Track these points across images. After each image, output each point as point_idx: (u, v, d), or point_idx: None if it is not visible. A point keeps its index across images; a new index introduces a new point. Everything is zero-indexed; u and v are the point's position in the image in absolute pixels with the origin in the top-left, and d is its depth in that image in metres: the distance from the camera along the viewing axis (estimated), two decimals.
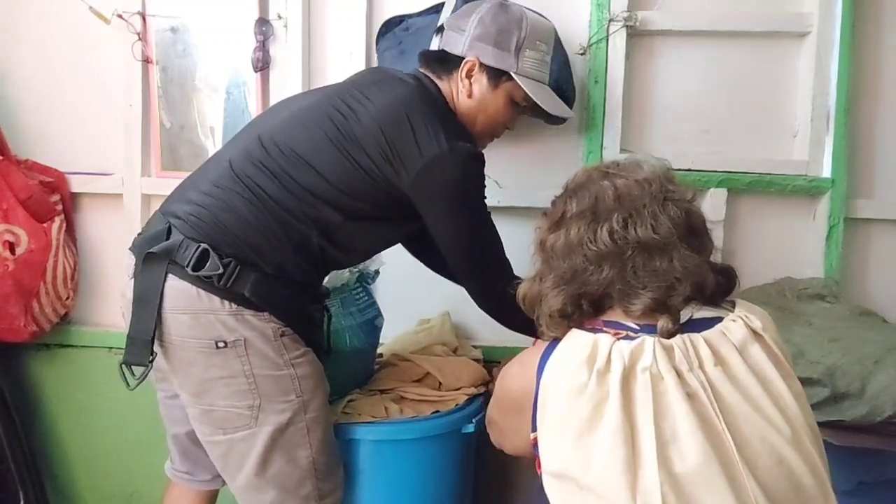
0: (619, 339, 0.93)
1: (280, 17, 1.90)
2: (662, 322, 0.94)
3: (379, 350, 1.71)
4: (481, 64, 1.38)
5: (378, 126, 1.26)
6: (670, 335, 0.93)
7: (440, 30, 1.52)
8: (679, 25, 1.84)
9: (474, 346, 1.86)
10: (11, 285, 1.87)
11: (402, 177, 1.26)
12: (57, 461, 2.12)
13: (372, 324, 1.60)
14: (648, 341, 0.92)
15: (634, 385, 0.89)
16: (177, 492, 1.52)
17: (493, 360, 1.82)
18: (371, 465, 1.45)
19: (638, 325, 0.97)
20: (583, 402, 0.89)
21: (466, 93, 1.39)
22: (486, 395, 1.62)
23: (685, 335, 0.93)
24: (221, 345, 1.21)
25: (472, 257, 1.35)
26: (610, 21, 1.80)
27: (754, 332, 0.95)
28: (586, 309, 1.00)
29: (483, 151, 1.36)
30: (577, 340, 0.96)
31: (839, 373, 1.41)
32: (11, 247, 1.88)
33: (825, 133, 1.83)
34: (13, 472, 1.94)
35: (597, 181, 1.04)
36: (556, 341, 1.00)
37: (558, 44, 1.67)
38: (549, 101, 1.44)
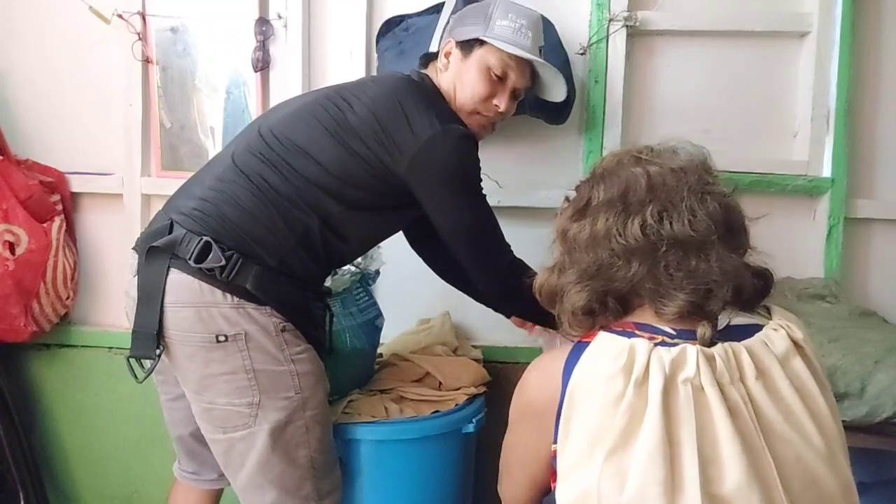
0: (655, 344, 0.86)
1: (280, 17, 1.90)
2: (702, 329, 0.87)
3: (379, 350, 1.71)
4: (456, 42, 1.42)
5: (372, 113, 1.29)
6: (710, 344, 0.86)
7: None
8: (679, 25, 1.84)
9: (474, 346, 1.86)
10: (11, 285, 1.87)
11: (398, 161, 1.28)
12: (57, 461, 2.12)
13: (372, 324, 1.60)
14: (691, 350, 0.84)
15: (675, 398, 0.82)
16: (182, 490, 1.52)
17: (493, 360, 1.82)
18: (371, 465, 1.45)
19: (674, 329, 0.89)
20: (619, 415, 0.82)
21: (443, 69, 1.43)
22: (486, 395, 1.62)
23: (726, 344, 0.86)
24: (222, 339, 1.22)
25: (471, 236, 1.34)
26: (610, 21, 1.80)
27: (796, 344, 0.89)
28: (612, 307, 0.93)
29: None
30: (610, 346, 0.87)
31: (839, 373, 1.41)
32: (11, 247, 1.88)
33: (825, 133, 1.83)
34: (13, 472, 1.94)
35: (628, 167, 0.95)
36: (581, 344, 0.91)
37: (549, 36, 1.63)
38: (518, 49, 1.38)
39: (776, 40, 1.86)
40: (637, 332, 0.90)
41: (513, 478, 1.03)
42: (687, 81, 1.87)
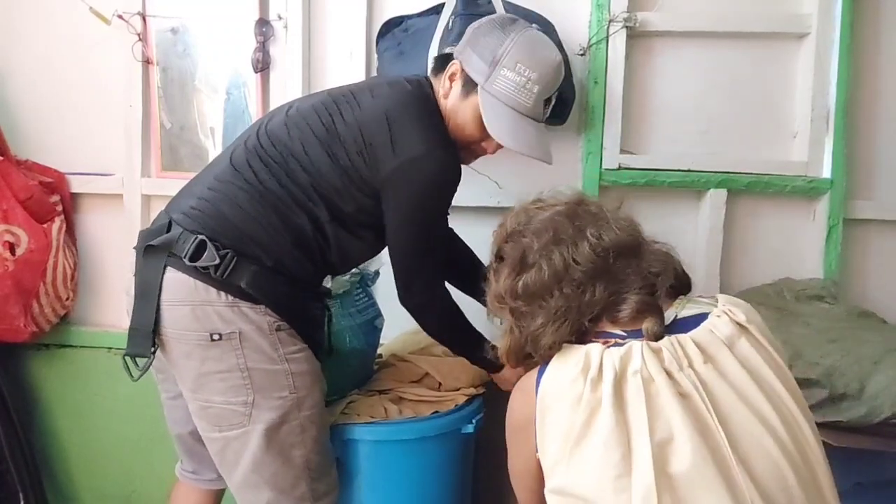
0: (608, 346, 0.94)
1: (280, 18, 1.91)
2: (647, 325, 0.94)
3: (378, 350, 1.71)
4: (462, 69, 1.35)
5: (358, 126, 1.28)
6: (657, 337, 0.93)
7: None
8: (678, 26, 1.84)
9: None
10: (11, 285, 1.87)
11: (376, 176, 1.28)
12: (56, 461, 2.12)
13: (372, 324, 1.61)
14: (636, 345, 0.92)
15: (626, 389, 0.89)
16: (182, 490, 1.53)
17: None
18: (370, 466, 1.45)
19: (625, 331, 0.97)
20: (579, 413, 0.89)
21: (444, 93, 1.37)
22: (485, 396, 1.62)
23: (672, 336, 0.93)
24: (217, 337, 1.22)
25: (405, 260, 1.34)
26: (610, 21, 1.81)
27: (740, 326, 0.95)
28: (588, 327, 0.99)
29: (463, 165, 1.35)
30: (569, 355, 0.96)
31: (837, 373, 1.42)
32: (11, 247, 1.88)
33: (824, 134, 1.83)
34: (13, 472, 1.94)
35: (538, 216, 1.05)
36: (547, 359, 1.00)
37: (549, 37, 1.55)
38: (507, 130, 1.31)
39: (775, 41, 1.86)
40: (593, 339, 0.98)
41: (521, 495, 1.10)
42: (686, 82, 1.88)
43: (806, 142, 1.84)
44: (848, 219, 1.84)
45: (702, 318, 0.97)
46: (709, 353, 0.92)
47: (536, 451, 0.96)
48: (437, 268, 1.39)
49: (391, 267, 1.37)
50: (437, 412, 1.50)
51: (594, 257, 0.98)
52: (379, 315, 1.64)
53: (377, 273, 1.68)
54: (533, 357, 1.03)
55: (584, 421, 0.88)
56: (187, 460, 1.49)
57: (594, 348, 0.93)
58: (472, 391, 1.59)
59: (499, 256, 1.09)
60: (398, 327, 1.84)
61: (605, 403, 0.88)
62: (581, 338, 0.99)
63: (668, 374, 0.89)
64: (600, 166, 1.85)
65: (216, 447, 1.30)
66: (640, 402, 0.87)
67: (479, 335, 1.44)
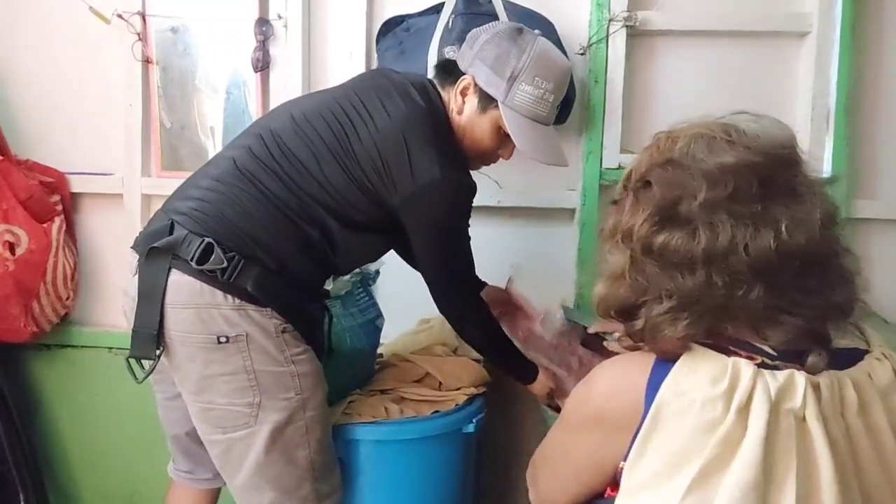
0: (757, 365, 0.75)
1: (280, 17, 1.90)
2: (815, 359, 0.75)
3: (379, 350, 1.71)
4: (475, 84, 1.37)
5: (375, 145, 1.28)
6: (816, 372, 0.76)
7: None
8: (679, 25, 1.84)
9: None
10: (11, 285, 1.87)
11: (393, 196, 1.29)
12: (57, 461, 2.12)
13: (372, 324, 1.61)
14: (799, 379, 0.73)
15: (778, 429, 0.72)
16: (179, 491, 1.53)
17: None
18: (371, 466, 1.45)
19: (775, 350, 0.77)
20: (712, 443, 0.72)
21: (457, 109, 1.39)
22: (486, 396, 1.62)
23: (831, 372, 0.76)
24: (223, 340, 1.22)
25: (442, 278, 1.39)
26: (610, 21, 1.80)
27: None
28: (729, 333, 0.79)
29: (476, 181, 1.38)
30: (707, 365, 0.76)
31: None
32: (11, 247, 1.88)
33: (825, 133, 1.83)
34: (13, 472, 1.94)
35: (721, 153, 0.77)
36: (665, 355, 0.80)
37: (549, 36, 1.56)
38: (531, 142, 1.37)
39: (776, 40, 1.86)
40: (731, 347, 0.77)
41: (559, 480, 0.92)
42: (687, 81, 1.87)
43: (807, 141, 1.83)
44: (849, 218, 1.83)
45: (855, 354, 0.80)
46: (863, 402, 0.76)
47: (623, 460, 0.79)
48: (468, 275, 1.44)
49: (424, 281, 1.40)
50: (437, 412, 1.50)
51: (772, 256, 0.73)
52: (380, 315, 1.64)
53: (377, 273, 1.68)
54: (627, 337, 0.84)
55: (717, 455, 0.72)
56: (183, 460, 1.49)
57: (744, 366, 0.74)
58: (473, 391, 1.59)
59: (645, 181, 0.82)
60: (399, 327, 1.84)
61: (751, 443, 0.71)
62: (713, 337, 0.78)
63: (825, 419, 0.73)
64: (600, 166, 1.85)
65: (219, 449, 1.30)
66: (791, 452, 0.72)
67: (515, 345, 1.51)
